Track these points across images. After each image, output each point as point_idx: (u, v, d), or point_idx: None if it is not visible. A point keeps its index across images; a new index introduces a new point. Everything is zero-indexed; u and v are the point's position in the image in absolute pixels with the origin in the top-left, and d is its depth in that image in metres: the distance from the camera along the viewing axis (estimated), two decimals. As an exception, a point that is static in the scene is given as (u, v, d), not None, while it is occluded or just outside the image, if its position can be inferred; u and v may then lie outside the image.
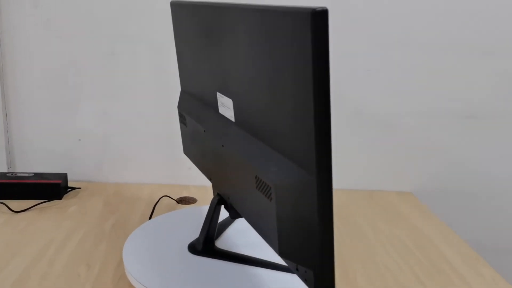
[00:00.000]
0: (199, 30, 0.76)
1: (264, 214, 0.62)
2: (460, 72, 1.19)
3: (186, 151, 0.97)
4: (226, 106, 0.73)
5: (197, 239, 0.84)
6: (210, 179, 0.86)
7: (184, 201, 1.16)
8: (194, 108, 0.87)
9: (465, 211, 1.27)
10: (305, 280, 0.56)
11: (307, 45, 0.46)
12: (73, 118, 1.25)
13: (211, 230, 0.82)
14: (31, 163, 1.27)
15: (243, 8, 0.58)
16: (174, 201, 1.15)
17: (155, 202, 1.12)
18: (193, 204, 1.14)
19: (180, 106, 0.94)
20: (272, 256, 0.81)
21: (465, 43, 1.18)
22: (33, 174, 1.17)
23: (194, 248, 0.82)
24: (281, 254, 0.60)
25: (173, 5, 0.88)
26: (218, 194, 0.82)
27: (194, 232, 0.88)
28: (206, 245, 0.81)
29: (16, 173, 1.17)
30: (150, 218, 1.05)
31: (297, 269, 0.58)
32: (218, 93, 0.74)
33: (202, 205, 1.11)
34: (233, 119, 0.71)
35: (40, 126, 1.26)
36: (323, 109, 0.48)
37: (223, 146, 0.73)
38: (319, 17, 0.45)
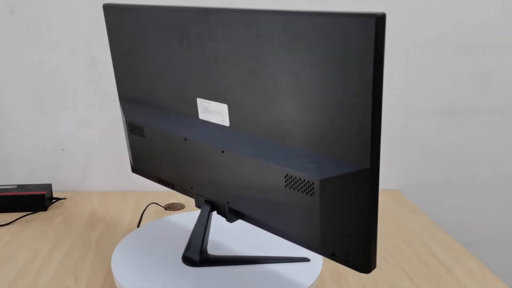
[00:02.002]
0: (166, 36, 0.73)
1: (298, 209, 0.65)
2: (440, 68, 1.21)
3: (141, 165, 0.90)
4: (213, 112, 0.72)
5: (189, 251, 0.80)
6: (190, 188, 0.82)
7: (172, 207, 1.15)
8: (158, 117, 0.82)
9: (452, 206, 1.29)
10: (345, 262, 0.63)
11: (369, 49, 0.51)
12: (55, 128, 1.23)
13: (206, 239, 0.80)
14: (14, 175, 1.25)
15: (277, 13, 0.59)
16: (162, 208, 1.14)
17: (143, 209, 1.11)
18: (181, 210, 1.13)
19: (131, 117, 0.87)
20: (264, 250, 0.82)
21: (443, 40, 1.19)
22: (16, 186, 1.15)
23: (190, 260, 0.79)
24: (322, 243, 0.64)
25: (110, 8, 0.82)
26: (208, 201, 0.80)
27: (184, 239, 0.87)
28: (202, 254, 0.79)
29: (-2, 185, 1.15)
30: (138, 226, 1.04)
31: (333, 255, 0.64)
32: (199, 99, 0.73)
33: (190, 211, 1.10)
34: (226, 124, 0.71)
35: (21, 136, 1.23)
36: (379, 106, 0.53)
37: (223, 151, 0.72)
38: (381, 22, 0.50)
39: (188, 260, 0.80)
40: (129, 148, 0.92)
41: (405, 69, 1.21)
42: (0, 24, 1.16)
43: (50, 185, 1.17)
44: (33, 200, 1.11)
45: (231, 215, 0.77)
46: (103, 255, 0.92)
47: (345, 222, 0.61)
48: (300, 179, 0.63)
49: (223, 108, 0.70)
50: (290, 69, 0.60)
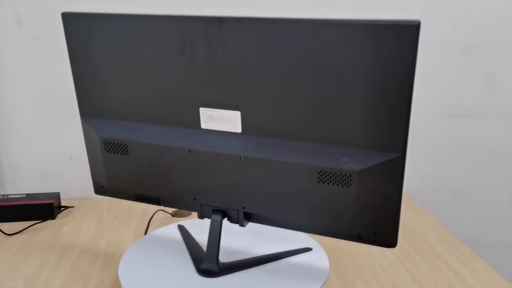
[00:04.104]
0: (160, 46, 0.71)
1: (331, 201, 0.69)
2: (446, 70, 1.21)
3: (118, 184, 0.84)
4: (221, 120, 0.72)
5: (205, 262, 0.79)
6: (193, 200, 0.80)
7: (179, 214, 1.15)
8: (146, 132, 0.78)
9: (459, 208, 1.28)
10: (373, 242, 0.70)
11: (410, 50, 0.58)
12: (62, 136, 1.24)
13: (219, 248, 0.79)
14: (23, 184, 1.26)
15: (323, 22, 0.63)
16: (169, 215, 1.15)
17: (150, 216, 1.11)
18: (188, 217, 1.14)
19: (108, 134, 0.80)
20: (264, 247, 0.85)
21: (448, 41, 1.19)
22: (25, 195, 1.16)
23: (208, 272, 0.78)
24: (352, 228, 0.70)
25: (72, 17, 0.75)
26: (216, 210, 0.79)
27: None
28: (218, 264, 0.78)
29: (7, 195, 1.16)
30: (145, 233, 1.04)
31: (359, 237, 0.70)
32: (202, 109, 0.73)
33: (197, 218, 1.10)
34: (238, 131, 0.71)
35: (29, 146, 1.25)
36: (411, 99, 0.61)
37: (241, 158, 0.73)
38: (419, 28, 0.58)
39: (205, 272, 0.78)
40: (103, 167, 0.84)
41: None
42: (7, 35, 1.18)
43: (58, 194, 1.18)
44: (42, 209, 1.12)
45: (245, 219, 0.78)
46: (111, 262, 0.93)
47: (376, 205, 0.67)
48: (335, 173, 0.68)
49: (234, 115, 0.71)
50: (324, 72, 0.63)
